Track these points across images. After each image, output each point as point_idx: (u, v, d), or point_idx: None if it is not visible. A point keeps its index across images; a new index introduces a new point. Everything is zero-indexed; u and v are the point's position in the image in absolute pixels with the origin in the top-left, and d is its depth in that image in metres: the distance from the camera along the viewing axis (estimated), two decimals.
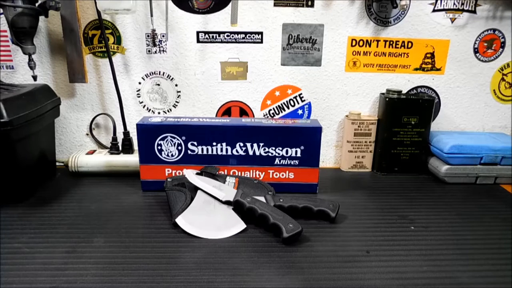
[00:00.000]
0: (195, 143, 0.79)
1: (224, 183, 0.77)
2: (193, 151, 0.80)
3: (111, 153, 0.90)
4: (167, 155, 0.80)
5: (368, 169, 0.97)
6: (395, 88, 0.91)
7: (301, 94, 0.95)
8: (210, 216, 0.69)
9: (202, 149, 0.80)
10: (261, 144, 0.80)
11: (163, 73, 0.92)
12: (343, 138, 0.97)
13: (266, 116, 0.97)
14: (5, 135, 0.68)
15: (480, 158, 0.87)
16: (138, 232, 0.67)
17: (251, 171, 0.82)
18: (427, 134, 0.92)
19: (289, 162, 0.81)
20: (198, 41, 0.90)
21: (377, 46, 0.93)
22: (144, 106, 0.95)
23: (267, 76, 0.94)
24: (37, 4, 0.77)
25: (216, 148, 0.80)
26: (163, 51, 0.91)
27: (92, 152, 0.91)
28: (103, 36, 0.87)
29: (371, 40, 0.92)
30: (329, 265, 0.58)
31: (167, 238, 0.65)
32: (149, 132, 0.79)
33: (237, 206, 0.71)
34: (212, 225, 0.67)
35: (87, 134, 0.97)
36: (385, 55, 0.93)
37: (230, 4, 0.86)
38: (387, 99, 0.90)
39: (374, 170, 0.96)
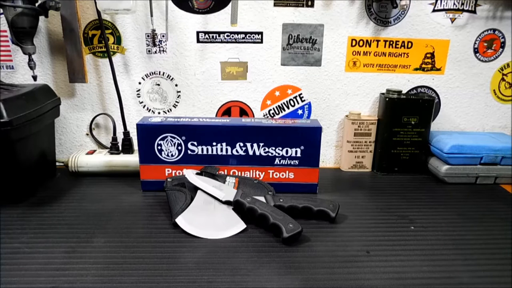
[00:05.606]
0: (195, 143, 0.79)
1: (224, 183, 0.77)
2: (193, 151, 0.80)
3: (111, 153, 0.90)
4: (167, 155, 0.80)
5: (368, 169, 0.97)
6: (395, 88, 0.91)
7: (301, 94, 0.95)
8: (210, 216, 0.69)
9: (202, 149, 0.80)
10: (261, 144, 0.80)
11: (163, 73, 0.92)
12: (343, 138, 0.97)
13: (266, 116, 0.97)
14: (5, 135, 0.68)
15: (480, 158, 0.87)
16: (138, 232, 0.67)
17: (251, 171, 0.82)
18: (427, 134, 0.92)
19: (289, 162, 0.81)
20: (198, 41, 0.90)
21: (377, 46, 0.93)
22: (144, 106, 0.95)
23: (267, 76, 0.94)
24: (37, 4, 0.77)
25: (216, 148, 0.80)
26: (163, 51, 0.91)
27: (92, 152, 0.91)
28: (103, 36, 0.87)
29: (371, 40, 0.92)
30: (329, 265, 0.58)
31: (167, 238, 0.65)
32: (149, 132, 0.79)
33: (237, 206, 0.71)
34: (212, 225, 0.67)
35: (87, 134, 0.97)
36: (385, 55, 0.93)
37: (230, 4, 0.86)
38: (387, 99, 0.90)
39: (374, 170, 0.96)
